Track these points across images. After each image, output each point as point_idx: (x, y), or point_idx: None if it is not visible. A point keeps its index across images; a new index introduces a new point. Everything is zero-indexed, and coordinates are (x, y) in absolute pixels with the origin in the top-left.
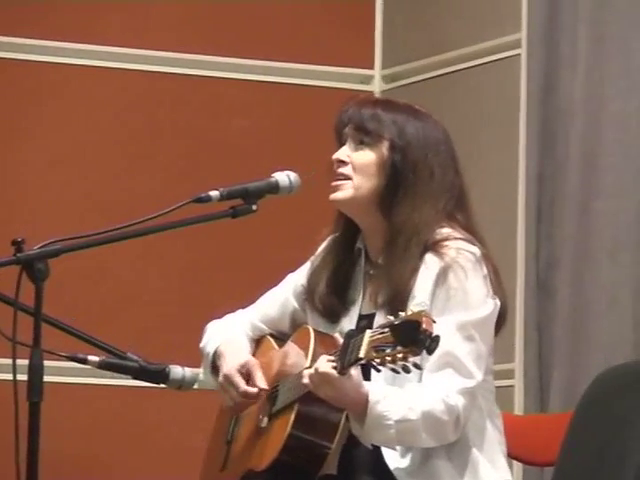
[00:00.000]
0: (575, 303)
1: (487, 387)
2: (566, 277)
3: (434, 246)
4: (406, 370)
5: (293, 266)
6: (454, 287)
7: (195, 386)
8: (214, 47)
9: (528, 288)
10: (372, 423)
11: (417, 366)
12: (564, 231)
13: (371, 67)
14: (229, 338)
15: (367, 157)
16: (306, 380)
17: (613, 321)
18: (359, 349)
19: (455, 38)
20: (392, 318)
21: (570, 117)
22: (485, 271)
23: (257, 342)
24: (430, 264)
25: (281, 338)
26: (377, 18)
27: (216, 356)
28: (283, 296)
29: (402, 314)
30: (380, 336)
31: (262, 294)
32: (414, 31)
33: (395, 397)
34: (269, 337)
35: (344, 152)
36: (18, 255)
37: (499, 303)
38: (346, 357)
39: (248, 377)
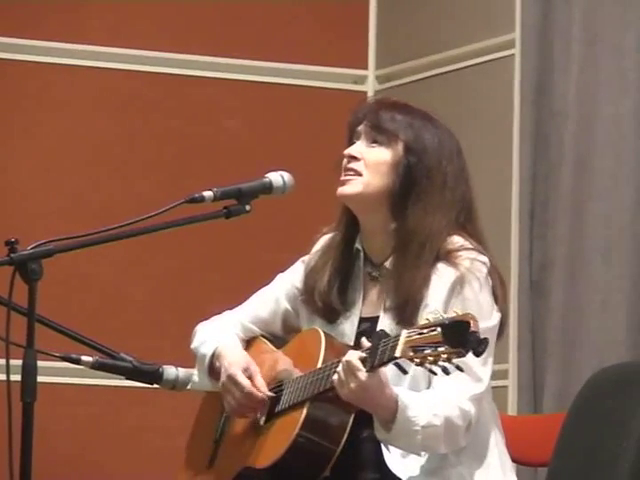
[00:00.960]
0: (568, 304)
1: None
2: (559, 278)
3: (447, 255)
4: (445, 372)
5: (284, 267)
6: (469, 298)
7: (188, 387)
8: (205, 47)
9: (521, 289)
10: (401, 428)
11: (459, 368)
12: (557, 232)
13: (365, 67)
14: (226, 340)
15: (381, 155)
16: (335, 376)
17: (606, 322)
18: (394, 349)
19: (449, 38)
20: (432, 318)
21: (563, 118)
22: (492, 283)
23: (248, 343)
24: (443, 273)
25: (272, 339)
26: (371, 18)
27: (215, 357)
28: (274, 297)
29: (447, 315)
30: (418, 336)
31: (251, 295)
32: (408, 31)
33: (421, 402)
34: (261, 338)
35: (357, 148)
36: (11, 255)
37: (500, 315)
38: (377, 357)
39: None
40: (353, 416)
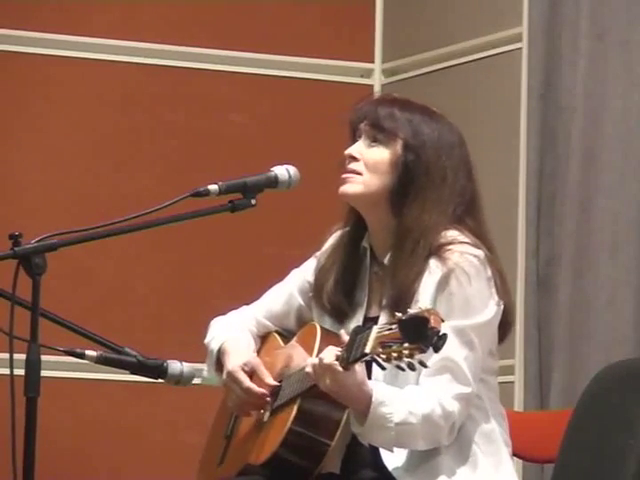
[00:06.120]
0: (575, 300)
1: (490, 387)
2: (566, 274)
3: (438, 250)
4: (411, 367)
5: (288, 262)
6: (455, 292)
7: (195, 381)
8: (211, 40)
9: (528, 285)
10: (373, 423)
11: (423, 364)
12: (564, 228)
13: (371, 61)
14: (234, 335)
15: (380, 155)
16: (309, 369)
17: (613, 318)
18: (365, 344)
19: (456, 32)
20: (400, 314)
21: (571, 113)
22: (489, 274)
23: (263, 339)
24: (433, 269)
25: (287, 335)
26: (377, 11)
27: (220, 353)
28: (288, 292)
29: (410, 310)
30: (387, 332)
31: (256, 290)
32: (415, 24)
33: (398, 399)
34: (275, 334)
35: (357, 148)
36: (15, 249)
37: (502, 308)
38: (352, 352)
39: (252, 375)
40: (347, 412)
